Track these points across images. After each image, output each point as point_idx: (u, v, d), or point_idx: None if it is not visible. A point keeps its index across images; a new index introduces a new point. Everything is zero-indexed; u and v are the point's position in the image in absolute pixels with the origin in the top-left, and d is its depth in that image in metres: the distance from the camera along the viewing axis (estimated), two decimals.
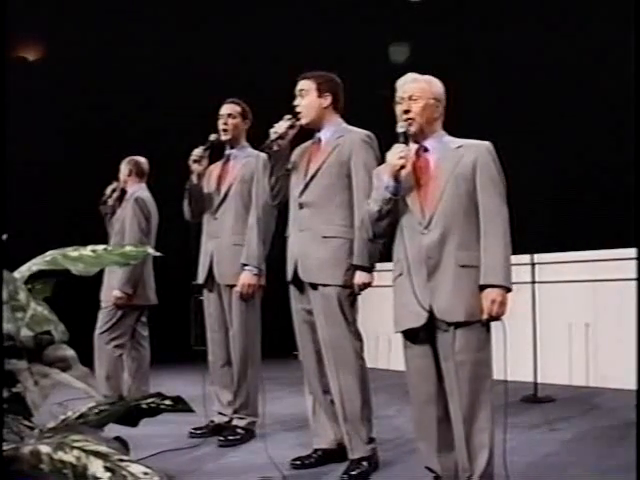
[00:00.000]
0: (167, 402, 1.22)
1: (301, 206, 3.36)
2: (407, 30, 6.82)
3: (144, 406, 1.19)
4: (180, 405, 1.21)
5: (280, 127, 3.37)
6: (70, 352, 1.08)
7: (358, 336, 3.33)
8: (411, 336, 2.72)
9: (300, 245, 3.33)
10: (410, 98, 2.75)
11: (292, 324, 3.46)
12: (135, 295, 4.64)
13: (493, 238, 2.63)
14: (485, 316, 2.59)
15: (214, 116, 4.11)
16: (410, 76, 2.82)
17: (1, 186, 4.42)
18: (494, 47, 6.08)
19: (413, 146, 2.79)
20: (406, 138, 2.72)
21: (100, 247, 1.22)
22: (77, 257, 1.15)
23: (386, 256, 3.35)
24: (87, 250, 1.20)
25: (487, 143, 2.76)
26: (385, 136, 3.45)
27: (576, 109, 5.72)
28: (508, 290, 2.61)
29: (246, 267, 3.88)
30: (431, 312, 2.63)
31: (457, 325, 2.61)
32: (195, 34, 7.21)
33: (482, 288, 2.61)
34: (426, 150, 2.79)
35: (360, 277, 3.27)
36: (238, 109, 4.11)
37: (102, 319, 4.70)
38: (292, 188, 3.42)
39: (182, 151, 4.28)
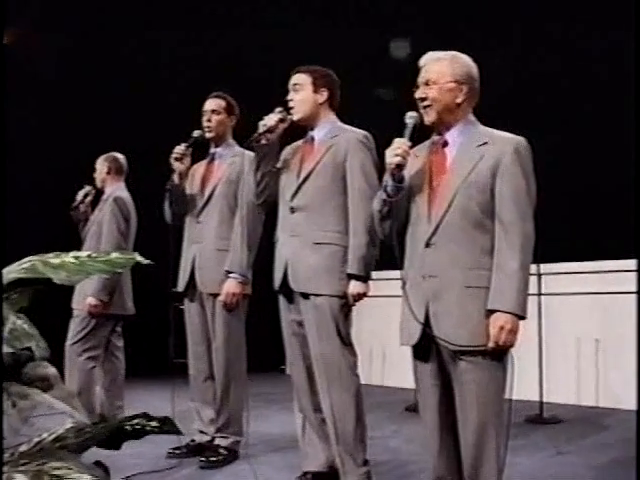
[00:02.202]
0: (153, 423, 1.21)
1: (292, 210, 3.36)
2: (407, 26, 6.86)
3: (128, 428, 1.19)
4: (168, 426, 1.21)
5: (270, 119, 3.37)
6: (52, 370, 1.07)
7: (352, 350, 3.34)
8: (418, 352, 2.65)
9: (291, 251, 3.34)
10: (426, 83, 2.62)
11: (280, 336, 3.47)
12: (111, 303, 4.62)
13: (507, 256, 2.48)
14: (491, 344, 2.47)
15: (199, 111, 4.11)
16: (430, 56, 2.66)
17: (1, 189, 4.40)
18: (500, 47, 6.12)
19: (435, 138, 2.66)
20: (413, 131, 2.61)
21: (83, 254, 1.22)
22: (59, 264, 1.14)
23: (381, 264, 3.37)
24: (69, 257, 1.19)
25: (518, 139, 2.57)
26: (384, 137, 3.47)
27: (584, 115, 5.78)
28: (521, 318, 2.48)
29: (231, 274, 3.89)
30: (428, 327, 2.55)
31: (462, 351, 2.51)
32: (179, 27, 7.21)
33: (490, 313, 2.48)
34: (446, 144, 2.64)
35: (355, 287, 3.27)
36: (223, 104, 4.10)
37: (74, 329, 4.68)
38: (283, 190, 3.42)
39: (162, 148, 4.27)
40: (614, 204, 5.44)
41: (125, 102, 7.18)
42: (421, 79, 2.64)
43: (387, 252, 3.06)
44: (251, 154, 3.63)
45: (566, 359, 5.60)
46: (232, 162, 4.06)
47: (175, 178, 4.07)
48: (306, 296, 3.31)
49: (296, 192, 3.36)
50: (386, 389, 6.48)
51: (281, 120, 3.37)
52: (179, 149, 4.06)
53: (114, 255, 1.24)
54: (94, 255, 1.23)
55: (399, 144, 2.56)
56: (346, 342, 3.30)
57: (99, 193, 4.94)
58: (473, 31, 6.02)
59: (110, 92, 7.19)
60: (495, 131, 2.63)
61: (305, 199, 3.34)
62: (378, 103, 7.02)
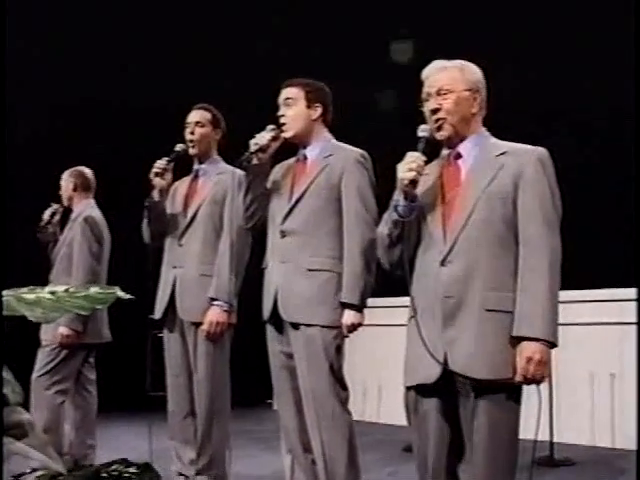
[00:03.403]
0: (132, 469, 1.23)
1: (283, 234, 3.39)
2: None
3: (105, 475, 1.20)
4: (148, 474, 1.23)
5: (262, 138, 3.40)
6: (26, 416, 1.08)
7: (344, 385, 3.36)
8: (426, 389, 2.57)
9: (281, 278, 3.37)
10: (439, 93, 2.58)
11: (267, 368, 3.49)
12: (85, 331, 4.58)
13: (534, 276, 2.42)
14: (519, 378, 2.43)
15: (182, 123, 4.13)
16: (437, 64, 2.65)
17: (1, 192, 4.41)
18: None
19: (446, 152, 2.63)
20: (426, 145, 2.58)
21: (60, 288, 1.24)
22: (34, 301, 1.16)
23: (377, 291, 3.40)
24: (45, 292, 1.21)
25: (540, 150, 2.56)
26: (380, 152, 3.52)
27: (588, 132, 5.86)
28: (552, 345, 2.45)
29: (215, 302, 3.90)
30: (446, 364, 2.48)
31: (479, 383, 2.46)
32: (160, 36, 7.27)
33: (516, 341, 2.43)
34: (459, 156, 2.62)
35: (350, 317, 3.30)
36: (208, 116, 4.11)
37: (42, 359, 4.67)
38: (273, 213, 3.45)
39: (142, 162, 4.29)
40: (631, 227, 5.48)
41: (99, 112, 7.21)
42: (430, 89, 2.61)
43: (383, 278, 3.10)
44: (239, 172, 3.67)
45: (579, 396, 5.61)
46: (218, 180, 4.07)
47: (155, 195, 4.08)
48: (296, 326, 3.33)
49: (287, 215, 3.39)
50: (382, 427, 6.47)
51: (274, 138, 3.40)
52: (160, 163, 4.07)
53: (93, 290, 1.27)
54: (72, 290, 1.25)
55: (413, 158, 2.53)
56: (338, 376, 3.33)
57: (67, 211, 4.93)
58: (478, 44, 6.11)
59: (85, 101, 7.22)
60: (512, 143, 2.63)
61: (297, 222, 3.37)
62: (377, 110, 7.08)
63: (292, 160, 3.54)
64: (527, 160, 2.52)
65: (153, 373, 4.30)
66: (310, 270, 3.33)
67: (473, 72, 2.65)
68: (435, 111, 2.59)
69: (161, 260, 4.16)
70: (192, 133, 4.08)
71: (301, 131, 3.44)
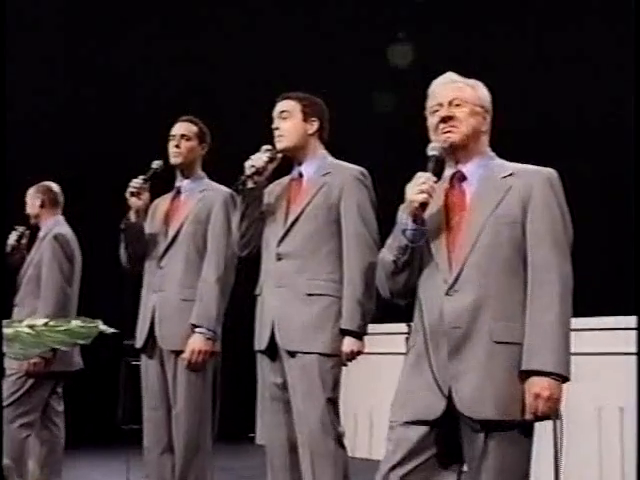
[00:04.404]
0: None
1: (279, 257, 3.39)
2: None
3: None
4: None
5: (258, 160, 3.41)
6: (6, 462, 1.05)
7: (339, 420, 3.36)
8: (420, 425, 2.54)
9: (278, 304, 3.37)
10: (451, 103, 2.61)
11: (249, 399, 3.48)
12: (54, 359, 4.53)
13: (544, 306, 2.43)
14: (528, 416, 2.44)
15: (164, 136, 4.13)
16: (449, 76, 2.70)
17: (1, 187, 4.38)
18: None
19: (446, 174, 2.65)
20: (436, 164, 2.57)
21: (39, 322, 1.21)
22: (12, 335, 1.13)
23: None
24: (23, 326, 1.18)
25: (549, 170, 2.60)
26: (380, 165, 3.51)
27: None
28: (564, 380, 2.44)
29: (197, 329, 3.88)
30: (451, 399, 2.47)
31: (486, 424, 2.45)
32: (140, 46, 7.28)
33: (525, 375, 2.44)
34: (463, 178, 2.64)
35: (349, 344, 3.31)
36: (194, 129, 4.12)
37: (6, 390, 4.61)
38: (267, 236, 3.46)
39: (118, 179, 4.28)
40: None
41: (74, 126, 7.18)
42: (442, 99, 2.63)
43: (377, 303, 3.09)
44: (224, 189, 3.67)
45: (585, 432, 5.59)
46: (202, 197, 4.06)
47: (131, 216, 4.06)
48: (293, 354, 3.34)
49: (283, 237, 3.40)
50: (374, 463, 6.41)
51: (270, 160, 3.42)
52: (136, 182, 4.05)
53: (75, 324, 1.24)
54: (52, 324, 1.23)
55: (425, 179, 2.52)
56: (335, 409, 3.33)
57: (33, 230, 4.90)
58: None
59: (60, 115, 7.20)
60: (518, 164, 2.65)
61: (294, 245, 3.38)
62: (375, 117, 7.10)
63: (286, 179, 3.56)
64: (535, 182, 2.55)
65: (126, 404, 4.25)
66: (309, 295, 3.35)
67: (485, 92, 2.70)
68: (446, 119, 2.61)
69: (140, 282, 4.14)
70: (177, 146, 4.08)
71: (297, 144, 3.46)
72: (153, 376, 4.03)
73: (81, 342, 1.21)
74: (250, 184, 3.41)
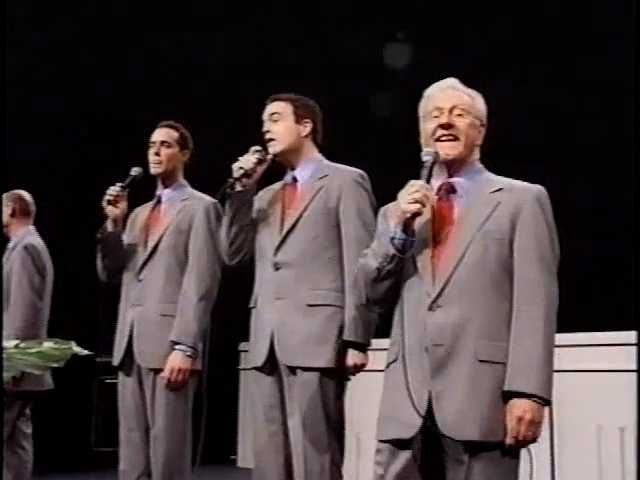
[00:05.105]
0: None
1: (277, 267, 3.38)
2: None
3: None
4: None
5: (247, 161, 3.40)
6: None
7: (342, 446, 3.35)
8: (400, 445, 2.56)
9: (278, 317, 3.34)
10: (451, 111, 2.64)
11: (231, 420, 3.44)
12: (23, 377, 4.44)
13: (528, 324, 2.47)
14: (509, 440, 2.45)
15: (143, 143, 4.10)
16: (450, 83, 2.73)
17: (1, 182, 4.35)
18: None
19: (435, 181, 2.66)
20: (431, 172, 2.59)
21: (9, 344, 1.17)
22: None
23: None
24: None
25: (538, 188, 2.65)
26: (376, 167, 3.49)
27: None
28: (545, 403, 2.47)
29: (177, 346, 3.86)
30: (429, 419, 2.48)
31: (470, 444, 2.46)
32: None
33: (507, 396, 2.46)
34: (452, 190, 2.67)
35: (353, 357, 3.30)
36: (175, 135, 4.11)
37: None
38: (262, 245, 3.45)
39: (93, 186, 4.26)
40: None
41: (45, 129, 7.14)
42: (443, 104, 2.65)
43: None
44: (208, 198, 3.70)
45: (584, 452, 5.58)
46: (183, 207, 4.05)
47: (108, 225, 4.04)
48: (293, 370, 3.31)
49: (280, 245, 3.38)
50: None
51: (260, 161, 3.41)
52: (113, 189, 4.03)
53: (47, 345, 1.20)
54: (23, 346, 1.19)
55: (419, 187, 2.53)
56: (336, 430, 3.31)
57: (5, 240, 4.87)
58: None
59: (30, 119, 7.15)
60: (507, 178, 2.69)
61: (292, 253, 3.36)
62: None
63: (278, 184, 3.55)
64: (524, 199, 2.60)
65: (100, 426, 4.21)
66: (310, 305, 3.33)
67: (483, 104, 2.74)
68: (447, 127, 2.63)
69: (117, 296, 4.12)
70: (157, 154, 4.06)
71: (290, 147, 3.46)
72: (130, 395, 4.00)
73: (54, 365, 1.16)
74: (238, 187, 3.39)
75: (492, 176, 2.71)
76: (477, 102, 2.71)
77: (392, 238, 2.54)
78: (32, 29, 7.04)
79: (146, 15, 7.23)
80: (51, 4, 6.86)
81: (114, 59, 7.21)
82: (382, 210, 2.82)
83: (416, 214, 2.52)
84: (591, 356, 5.72)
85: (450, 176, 2.67)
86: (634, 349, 5.49)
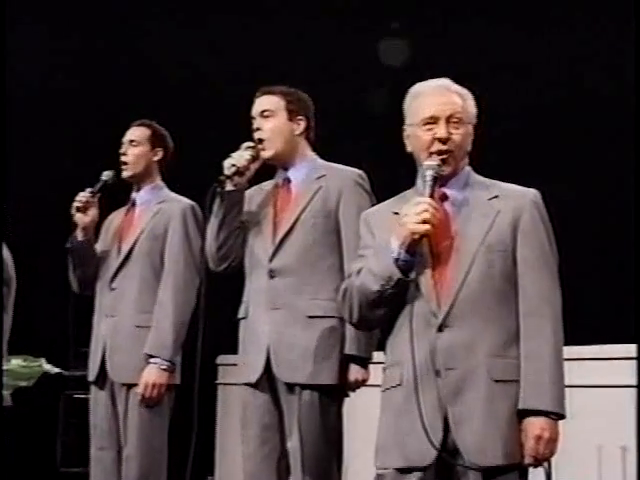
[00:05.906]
0: None
1: (272, 275, 3.34)
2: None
3: None
4: None
5: (239, 159, 3.37)
6: None
7: (340, 466, 3.33)
8: (409, 471, 2.52)
9: (273, 329, 3.30)
10: (449, 120, 2.60)
11: (208, 436, 3.41)
12: None
13: (538, 339, 2.48)
14: (528, 460, 2.46)
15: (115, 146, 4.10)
16: (442, 84, 2.68)
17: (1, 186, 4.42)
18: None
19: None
20: (434, 187, 2.54)
21: None
22: None
23: None
24: None
25: (533, 192, 2.65)
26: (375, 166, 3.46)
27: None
28: (560, 417, 2.49)
29: (152, 359, 3.85)
30: (445, 449, 2.46)
31: (487, 471, 2.45)
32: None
33: (521, 415, 2.47)
34: (445, 198, 2.63)
35: (355, 372, 3.28)
36: (147, 133, 4.10)
37: None
38: (254, 250, 3.41)
39: (62, 191, 4.22)
40: None
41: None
42: (441, 112, 2.59)
43: None
44: (186, 200, 3.71)
45: (584, 472, 5.56)
46: (158, 210, 4.04)
47: (78, 234, 4.02)
48: (291, 387, 3.26)
49: (275, 251, 3.34)
50: None
51: (253, 159, 3.37)
52: (82, 196, 4.01)
53: (15, 363, 1.14)
54: None
55: (425, 206, 2.48)
56: (336, 450, 3.29)
57: None
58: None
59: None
60: (497, 181, 2.70)
61: (289, 260, 3.33)
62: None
63: (268, 184, 3.52)
64: (522, 205, 2.61)
65: (68, 444, 4.17)
66: (310, 317, 3.29)
67: (473, 104, 2.71)
68: (444, 141, 2.59)
69: (90, 306, 4.11)
70: (124, 154, 4.06)
71: (283, 148, 3.42)
72: (102, 412, 3.98)
73: (23, 384, 1.10)
74: (229, 186, 3.35)
75: (481, 179, 2.69)
76: (469, 104, 2.68)
77: (396, 259, 2.49)
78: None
79: (138, 15, 7.23)
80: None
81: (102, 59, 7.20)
82: (364, 217, 2.77)
83: (424, 235, 2.48)
84: (592, 371, 5.69)
85: (441, 185, 2.63)
86: (633, 363, 5.48)
